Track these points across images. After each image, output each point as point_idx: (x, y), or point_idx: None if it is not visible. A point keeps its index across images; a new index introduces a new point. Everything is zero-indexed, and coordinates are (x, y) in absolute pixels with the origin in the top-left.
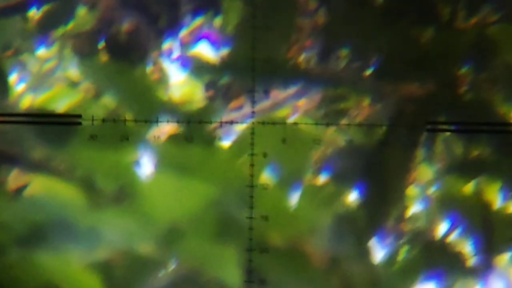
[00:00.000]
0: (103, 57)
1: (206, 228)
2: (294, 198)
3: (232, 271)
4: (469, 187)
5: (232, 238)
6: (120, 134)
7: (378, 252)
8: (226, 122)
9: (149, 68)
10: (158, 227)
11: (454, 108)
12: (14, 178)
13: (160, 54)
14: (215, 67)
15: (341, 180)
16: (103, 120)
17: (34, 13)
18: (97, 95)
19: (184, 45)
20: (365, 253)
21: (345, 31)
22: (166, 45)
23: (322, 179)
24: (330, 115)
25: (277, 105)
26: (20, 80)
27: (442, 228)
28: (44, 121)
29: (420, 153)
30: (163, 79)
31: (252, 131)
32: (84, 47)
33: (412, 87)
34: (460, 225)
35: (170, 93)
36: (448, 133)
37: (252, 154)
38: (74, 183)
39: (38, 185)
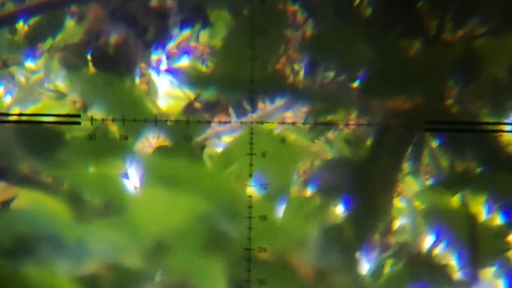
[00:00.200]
0: (91, 69)
1: (193, 241)
2: (280, 211)
3: (219, 285)
4: (455, 200)
5: (219, 251)
6: (107, 146)
7: (364, 264)
8: (214, 135)
9: (137, 80)
10: (145, 240)
11: (441, 120)
12: (1, 191)
13: (148, 66)
14: (203, 79)
15: (328, 192)
16: (90, 133)
17: (22, 25)
18: (85, 107)
19: (172, 57)
20: (351, 266)
21: (332, 43)
22: (154, 57)
23: (309, 191)
24: (317, 127)
25: (265, 117)
26: (7, 92)
27: (428, 241)
28: (33, 130)
29: (407, 166)
30: (151, 91)
31: (239, 143)
32: (72, 59)
33: (399, 100)
34: (446, 238)
35: (158, 104)
36: (434, 146)
37: (240, 166)
38: (61, 196)
39: (25, 198)
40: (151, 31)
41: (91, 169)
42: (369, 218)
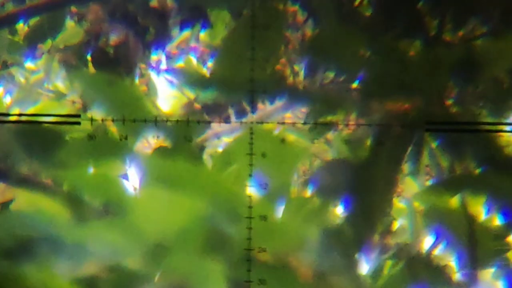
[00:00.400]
0: (91, 70)
1: (193, 241)
2: (280, 211)
3: (219, 285)
4: (454, 201)
5: (219, 251)
6: (107, 146)
7: (364, 266)
8: (213, 135)
9: (137, 80)
10: (145, 241)
11: (441, 121)
12: (1, 192)
13: (148, 66)
14: (203, 79)
15: (327, 193)
16: (90, 133)
17: (22, 26)
18: (85, 108)
19: (172, 58)
20: (351, 266)
21: (332, 44)
22: (154, 57)
23: (308, 191)
24: (317, 128)
25: (264, 118)
26: (7, 92)
27: (427, 241)
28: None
29: (406, 166)
30: (151, 91)
31: (239, 144)
32: (72, 60)
33: (399, 100)
34: (446, 238)
35: (157, 105)
36: (434, 146)
37: (240, 166)
38: (60, 197)
39: (25, 199)
40: (151, 31)
41: (91, 170)
42: (369, 218)
